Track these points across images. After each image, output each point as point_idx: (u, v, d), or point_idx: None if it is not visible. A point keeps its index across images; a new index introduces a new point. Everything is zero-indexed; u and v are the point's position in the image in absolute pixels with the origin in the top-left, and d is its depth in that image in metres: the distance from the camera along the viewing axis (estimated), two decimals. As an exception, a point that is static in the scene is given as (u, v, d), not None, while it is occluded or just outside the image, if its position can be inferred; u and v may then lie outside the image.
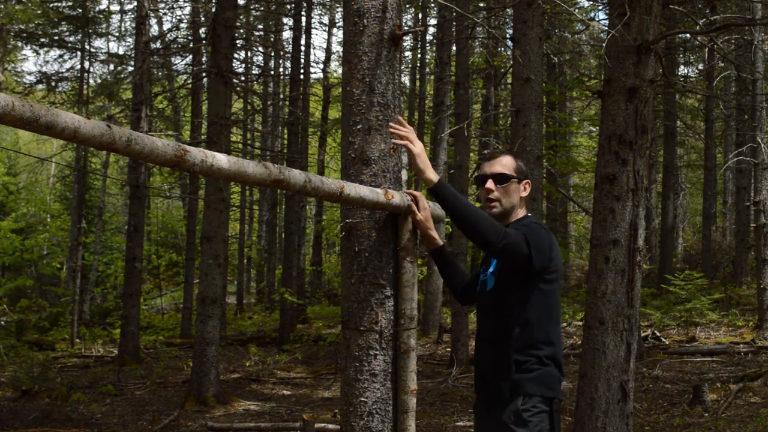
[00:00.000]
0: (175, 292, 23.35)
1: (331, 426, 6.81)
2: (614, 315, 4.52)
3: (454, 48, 12.85)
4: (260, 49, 20.62)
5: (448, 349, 11.73)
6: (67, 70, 18.05)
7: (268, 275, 21.51)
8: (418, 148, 2.71)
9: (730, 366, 9.62)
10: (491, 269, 2.83)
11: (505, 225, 2.78)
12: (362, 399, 2.81)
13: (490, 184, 2.80)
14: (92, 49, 17.81)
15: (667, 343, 11.51)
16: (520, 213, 2.86)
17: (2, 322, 16.03)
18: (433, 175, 2.69)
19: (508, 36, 11.25)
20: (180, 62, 19.25)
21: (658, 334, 12.03)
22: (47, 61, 40.93)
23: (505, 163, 2.81)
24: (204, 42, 13.00)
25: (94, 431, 7.43)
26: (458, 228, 2.69)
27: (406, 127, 2.74)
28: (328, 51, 20.46)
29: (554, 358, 2.71)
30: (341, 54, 14.62)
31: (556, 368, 2.71)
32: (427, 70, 18.76)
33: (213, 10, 12.06)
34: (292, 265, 15.37)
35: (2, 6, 12.79)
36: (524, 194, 2.85)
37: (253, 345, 13.45)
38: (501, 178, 2.79)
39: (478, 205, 2.84)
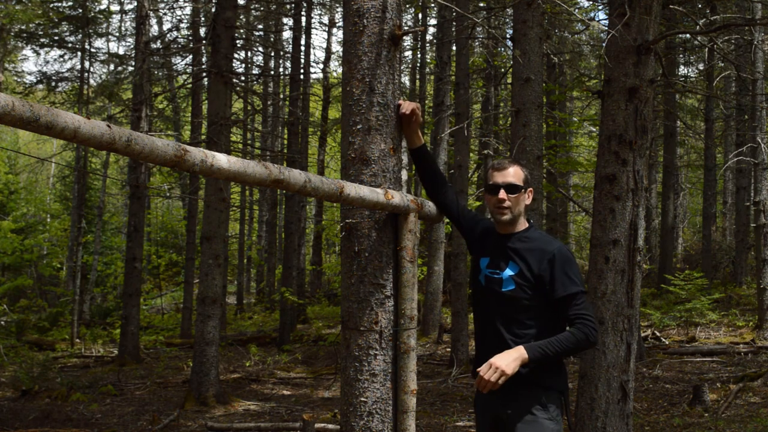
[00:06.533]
0: (175, 292, 23.36)
1: (331, 426, 6.81)
2: (614, 315, 4.52)
3: (454, 48, 12.84)
4: (260, 49, 20.62)
5: (448, 349, 11.72)
6: (67, 70, 18.05)
7: (268, 275, 21.50)
8: None
9: (730, 366, 9.62)
10: (510, 272, 2.90)
11: (514, 232, 2.97)
12: (362, 399, 2.81)
13: (502, 194, 2.93)
14: (92, 49, 17.80)
15: (667, 343, 11.50)
16: (523, 221, 3.01)
17: (2, 322, 16.01)
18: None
19: (508, 36, 11.25)
20: (180, 62, 19.24)
21: (658, 334, 12.03)
22: (47, 61, 40.85)
23: (515, 174, 2.97)
24: (204, 42, 12.98)
25: (94, 431, 7.42)
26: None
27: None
28: (328, 51, 20.46)
29: None
30: (341, 54, 14.60)
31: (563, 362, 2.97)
32: (427, 70, 18.75)
33: (213, 10, 12.05)
34: (292, 265, 15.36)
35: (2, 6, 12.78)
36: (528, 202, 3.02)
37: (253, 345, 13.44)
38: (513, 189, 2.94)
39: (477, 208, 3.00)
